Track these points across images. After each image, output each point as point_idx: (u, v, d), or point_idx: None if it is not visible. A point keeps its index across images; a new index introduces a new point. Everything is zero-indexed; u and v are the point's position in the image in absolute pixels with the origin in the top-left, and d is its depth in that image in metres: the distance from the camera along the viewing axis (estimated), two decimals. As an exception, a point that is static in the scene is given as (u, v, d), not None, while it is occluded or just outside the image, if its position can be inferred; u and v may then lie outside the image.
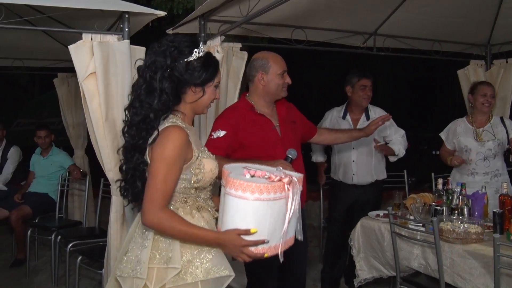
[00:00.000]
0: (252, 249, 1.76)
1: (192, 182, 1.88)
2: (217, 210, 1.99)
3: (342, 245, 4.12)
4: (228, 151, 2.69)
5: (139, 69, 1.92)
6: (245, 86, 4.65)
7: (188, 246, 1.83)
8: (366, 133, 3.19)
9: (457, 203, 3.17)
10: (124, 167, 1.96)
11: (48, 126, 5.63)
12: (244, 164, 1.98)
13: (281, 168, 1.88)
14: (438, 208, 3.13)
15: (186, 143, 1.83)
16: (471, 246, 2.72)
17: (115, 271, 1.95)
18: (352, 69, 4.08)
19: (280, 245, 1.81)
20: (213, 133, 2.71)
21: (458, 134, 3.82)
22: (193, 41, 1.91)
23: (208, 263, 1.83)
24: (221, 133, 2.67)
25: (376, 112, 3.99)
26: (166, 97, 1.84)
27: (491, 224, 2.97)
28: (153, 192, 1.77)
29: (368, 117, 3.95)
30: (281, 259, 1.82)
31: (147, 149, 1.87)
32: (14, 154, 5.44)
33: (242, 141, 2.69)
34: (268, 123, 2.78)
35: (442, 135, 3.96)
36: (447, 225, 2.83)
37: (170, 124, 1.85)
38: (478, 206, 3.18)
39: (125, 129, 1.93)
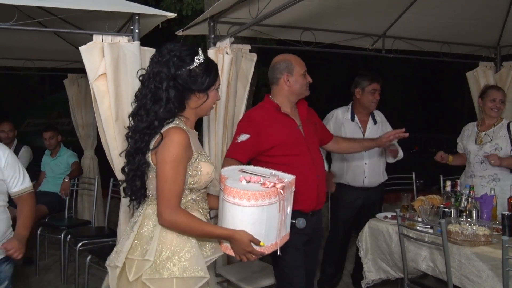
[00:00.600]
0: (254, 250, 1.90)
1: (188, 183, 1.95)
2: (209, 212, 2.11)
3: (345, 249, 4.13)
4: (252, 154, 2.73)
5: (143, 79, 1.99)
6: (254, 88, 4.66)
7: (169, 242, 1.92)
8: (378, 144, 3.19)
9: (465, 205, 3.17)
10: (126, 169, 2.06)
11: (56, 127, 5.68)
12: (240, 167, 2.11)
13: (274, 172, 2.01)
14: (447, 210, 3.13)
15: (188, 143, 1.91)
16: (480, 249, 2.72)
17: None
18: (362, 71, 4.06)
19: (276, 243, 1.95)
20: (237, 137, 2.75)
21: (464, 137, 3.87)
22: (193, 49, 1.99)
23: (186, 262, 1.91)
24: (245, 136, 2.72)
25: (379, 115, 4.02)
26: (171, 106, 1.93)
27: (500, 227, 2.96)
28: (166, 193, 1.86)
29: (375, 121, 3.94)
30: (279, 253, 1.97)
31: (150, 152, 1.95)
32: (24, 154, 5.48)
33: (267, 141, 2.72)
34: (292, 122, 2.82)
35: (458, 140, 4.01)
36: (455, 227, 2.83)
37: (172, 125, 1.93)
38: (487, 209, 3.17)
39: (129, 134, 2.03)
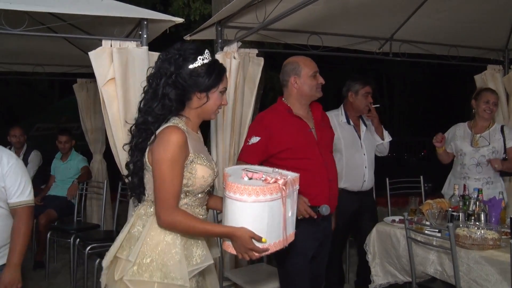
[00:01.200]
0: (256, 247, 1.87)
1: (182, 185, 1.92)
2: (205, 219, 2.07)
3: (341, 255, 4.09)
4: (263, 157, 2.72)
5: (148, 76, 2.00)
6: (261, 92, 4.69)
7: (154, 246, 1.90)
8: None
9: (473, 209, 3.15)
10: (129, 164, 2.06)
11: (70, 131, 5.74)
12: (244, 166, 2.07)
13: (277, 169, 1.98)
14: (455, 214, 3.11)
15: (185, 143, 1.87)
16: (488, 252, 2.70)
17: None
18: (354, 75, 4.02)
19: (280, 241, 1.91)
20: (248, 140, 2.75)
21: (456, 138, 3.86)
22: (198, 49, 1.96)
23: (168, 268, 1.88)
24: (256, 139, 2.71)
25: (364, 117, 3.94)
26: (168, 102, 1.91)
27: (508, 230, 2.95)
28: (164, 194, 1.85)
29: (365, 124, 3.89)
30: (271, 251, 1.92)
31: (147, 149, 1.94)
32: (34, 159, 5.55)
33: (278, 144, 2.71)
34: (304, 125, 2.79)
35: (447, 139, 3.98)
36: (463, 231, 2.82)
37: (170, 124, 1.91)
38: (495, 212, 3.15)
39: (132, 128, 2.03)
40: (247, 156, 2.73)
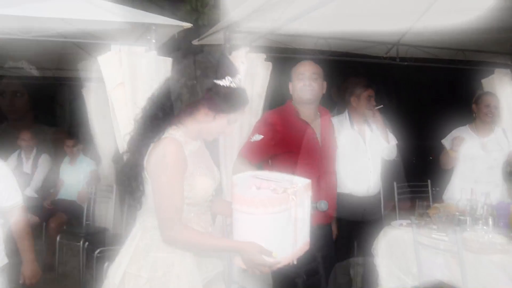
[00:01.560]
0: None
1: (184, 198, 1.84)
2: (211, 225, 1.99)
3: (348, 259, 4.00)
4: (263, 156, 2.71)
5: (174, 69, 1.94)
6: (269, 97, 4.70)
7: (164, 259, 1.84)
8: None
9: (481, 212, 3.14)
10: (126, 157, 1.94)
11: (78, 135, 5.78)
12: (253, 173, 1.99)
13: (287, 176, 1.90)
14: (462, 217, 3.10)
15: (182, 155, 1.81)
16: (497, 257, 2.69)
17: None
18: (353, 79, 4.01)
19: (293, 253, 1.84)
20: (251, 137, 2.75)
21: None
22: (233, 70, 1.86)
23: (180, 280, 1.83)
24: (259, 137, 2.70)
25: (370, 121, 3.87)
26: (179, 104, 1.82)
27: (517, 235, 2.93)
28: (165, 209, 1.79)
29: (371, 128, 3.83)
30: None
31: (146, 156, 1.86)
32: (44, 162, 5.59)
33: (279, 145, 2.70)
34: (309, 130, 2.78)
35: (445, 142, 4.00)
36: (471, 235, 2.81)
37: (166, 136, 1.84)
38: (503, 216, 3.14)
39: (138, 117, 1.93)
40: (247, 152, 2.72)
